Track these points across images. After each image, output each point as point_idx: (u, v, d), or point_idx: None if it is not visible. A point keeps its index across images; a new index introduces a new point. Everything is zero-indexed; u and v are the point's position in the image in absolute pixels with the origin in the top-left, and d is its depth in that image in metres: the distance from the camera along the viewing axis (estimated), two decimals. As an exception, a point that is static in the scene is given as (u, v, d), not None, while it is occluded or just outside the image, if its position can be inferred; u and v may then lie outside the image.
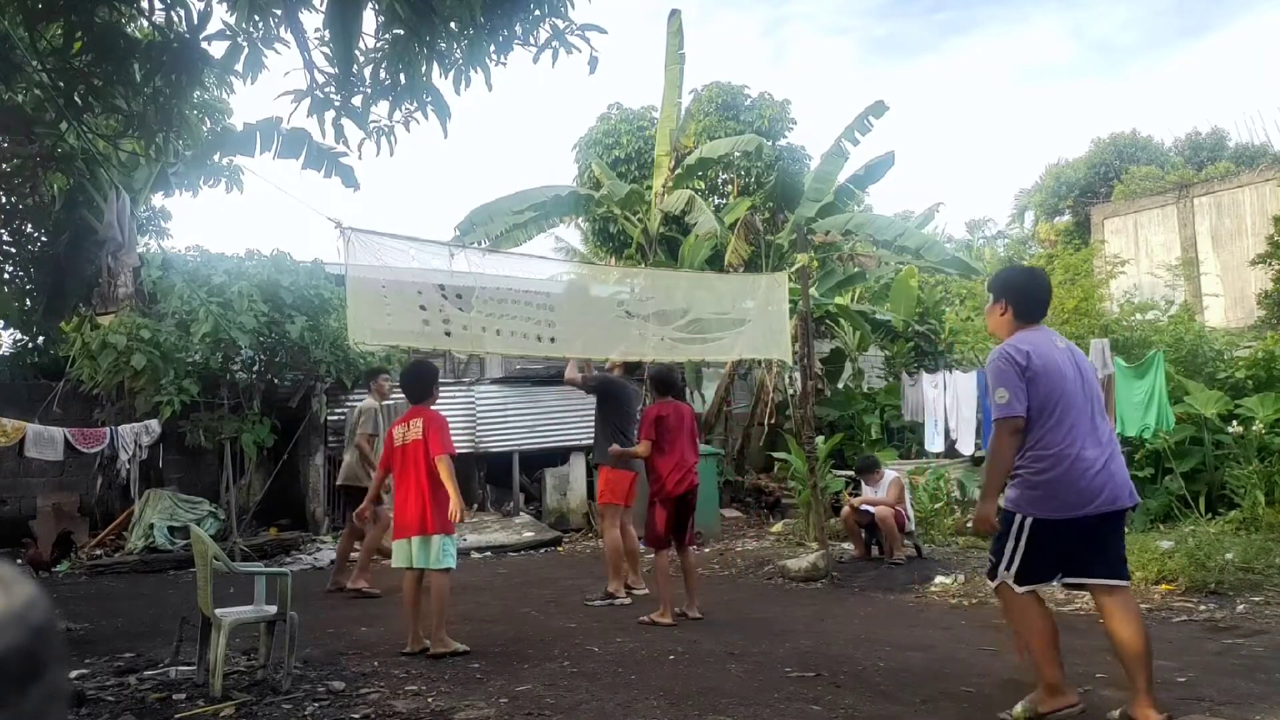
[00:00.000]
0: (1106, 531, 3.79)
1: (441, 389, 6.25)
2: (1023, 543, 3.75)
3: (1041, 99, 72.91)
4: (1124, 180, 26.00)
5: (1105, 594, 3.78)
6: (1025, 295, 3.94)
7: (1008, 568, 3.79)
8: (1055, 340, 3.90)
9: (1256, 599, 6.35)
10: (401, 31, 5.19)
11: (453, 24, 5.20)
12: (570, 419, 12.77)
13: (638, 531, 7.40)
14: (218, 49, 5.17)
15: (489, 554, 10.52)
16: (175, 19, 5.37)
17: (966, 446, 11.27)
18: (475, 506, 12.26)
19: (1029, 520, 3.74)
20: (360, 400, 9.24)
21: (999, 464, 3.83)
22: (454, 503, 5.45)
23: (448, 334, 7.18)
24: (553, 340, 7.65)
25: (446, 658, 5.34)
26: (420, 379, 5.89)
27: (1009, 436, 3.77)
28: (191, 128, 6.20)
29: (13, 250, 12.54)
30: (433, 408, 5.80)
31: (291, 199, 67.74)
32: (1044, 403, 3.72)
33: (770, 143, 17.25)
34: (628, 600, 7.17)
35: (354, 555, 8.37)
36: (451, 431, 5.80)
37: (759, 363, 13.09)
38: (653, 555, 6.59)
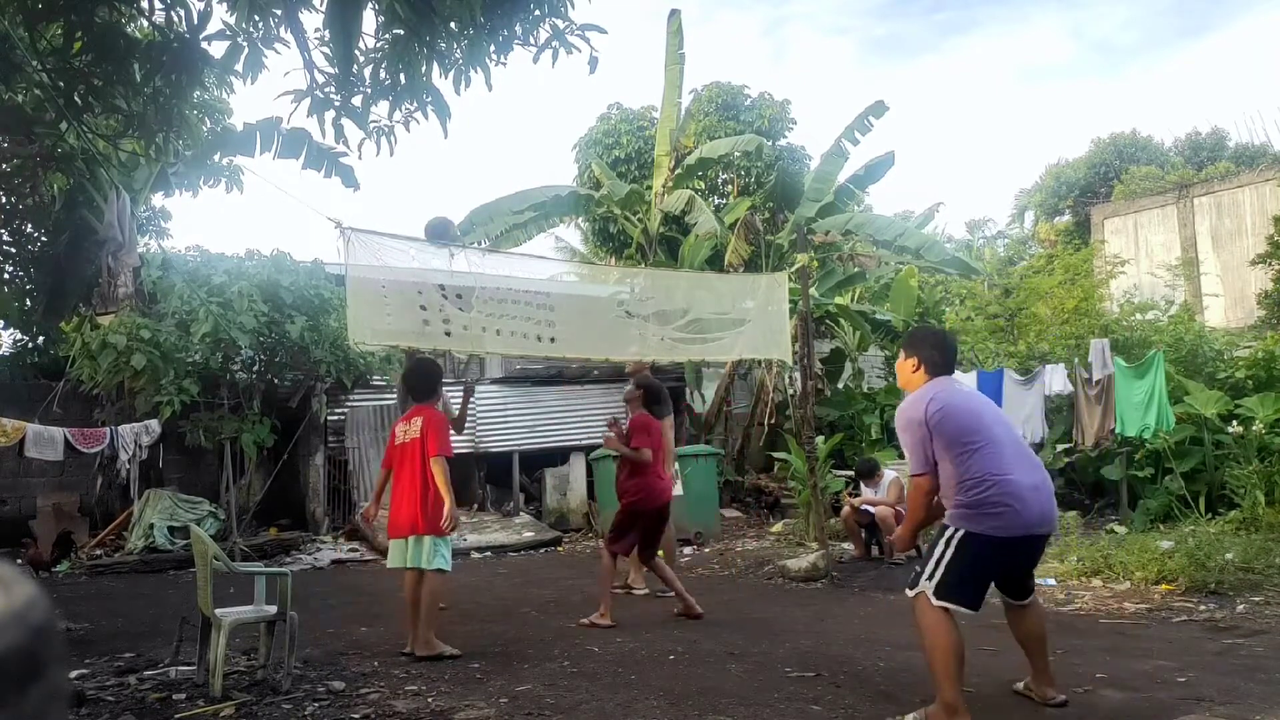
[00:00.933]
0: (1035, 555, 4.04)
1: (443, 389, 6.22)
2: (949, 554, 3.83)
3: (1041, 99, 72.89)
4: (1124, 180, 25.98)
5: (1023, 606, 4.11)
6: (937, 352, 4.15)
7: (929, 578, 3.85)
8: (957, 385, 4.15)
9: (1256, 599, 6.35)
10: (401, 31, 5.19)
11: (453, 24, 5.20)
12: (570, 419, 12.78)
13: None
14: (218, 49, 5.18)
15: (489, 554, 10.52)
16: (175, 19, 5.37)
17: (966, 446, 11.25)
18: (475, 506, 12.27)
19: (960, 533, 3.82)
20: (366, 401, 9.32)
21: (914, 513, 4.11)
22: (447, 508, 5.42)
23: (448, 334, 7.18)
24: (553, 340, 7.65)
25: (438, 660, 5.32)
26: (424, 377, 5.90)
27: (919, 495, 3.99)
28: (191, 128, 6.20)
29: (13, 250, 12.55)
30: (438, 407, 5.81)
31: (291, 199, 67.74)
32: (959, 435, 3.86)
33: (770, 143, 17.25)
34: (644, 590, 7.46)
35: None
36: (452, 431, 5.80)
37: (759, 363, 13.08)
38: (605, 557, 6.55)
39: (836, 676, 4.74)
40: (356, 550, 10.65)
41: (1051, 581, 7.28)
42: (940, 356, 4.13)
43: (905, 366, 4.21)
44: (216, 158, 7.40)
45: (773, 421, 13.42)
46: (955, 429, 3.86)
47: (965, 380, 11.39)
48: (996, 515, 3.77)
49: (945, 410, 3.88)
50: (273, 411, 10.90)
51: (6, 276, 12.65)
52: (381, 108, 5.71)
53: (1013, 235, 31.77)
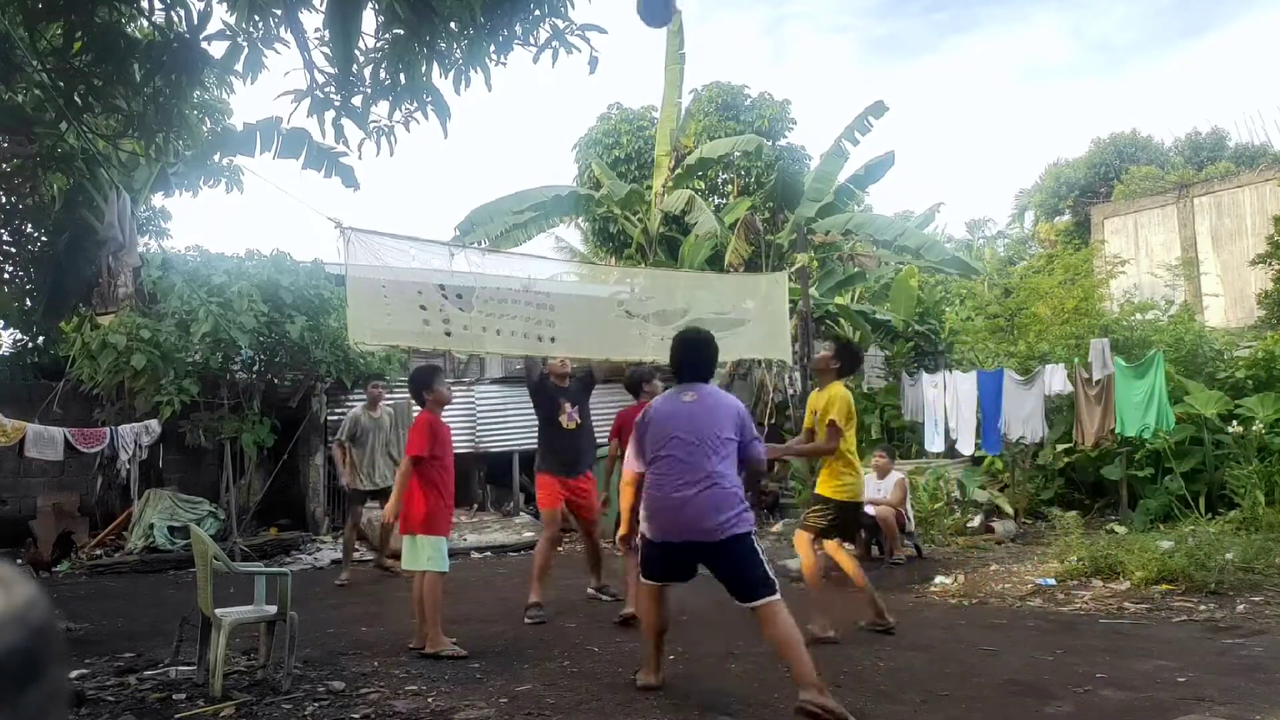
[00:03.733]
0: (722, 561, 4.31)
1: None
2: (641, 548, 4.61)
3: (1041, 99, 72.84)
4: (1124, 180, 25.96)
5: (754, 610, 4.28)
6: (674, 363, 4.65)
7: (638, 562, 4.72)
8: (687, 395, 4.49)
9: (1256, 599, 6.35)
10: (401, 31, 5.18)
11: (453, 24, 5.20)
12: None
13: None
14: (218, 49, 5.16)
15: (489, 554, 10.51)
16: (175, 19, 5.36)
17: (966, 446, 11.27)
18: (475, 506, 12.26)
19: (640, 535, 4.56)
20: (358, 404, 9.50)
21: (625, 503, 4.76)
22: (389, 505, 5.58)
23: (448, 334, 7.18)
24: (553, 340, 7.66)
25: (444, 659, 5.33)
26: (411, 383, 6.02)
27: (627, 486, 4.69)
28: (191, 128, 6.19)
29: (13, 250, 12.54)
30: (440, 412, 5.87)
31: (291, 199, 67.82)
32: (651, 445, 4.44)
33: (770, 143, 17.25)
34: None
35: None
36: (453, 431, 5.85)
37: (759, 363, 13.08)
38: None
39: (836, 676, 4.73)
40: (356, 550, 10.63)
41: (1051, 581, 7.28)
42: (676, 367, 4.62)
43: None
44: (216, 158, 7.38)
45: (773, 422, 13.41)
46: (649, 439, 4.45)
47: (965, 381, 11.41)
48: (647, 520, 4.42)
49: (653, 417, 4.50)
50: (273, 411, 10.89)
51: (6, 276, 12.64)
52: (381, 108, 5.70)
53: (1013, 235, 31.76)
